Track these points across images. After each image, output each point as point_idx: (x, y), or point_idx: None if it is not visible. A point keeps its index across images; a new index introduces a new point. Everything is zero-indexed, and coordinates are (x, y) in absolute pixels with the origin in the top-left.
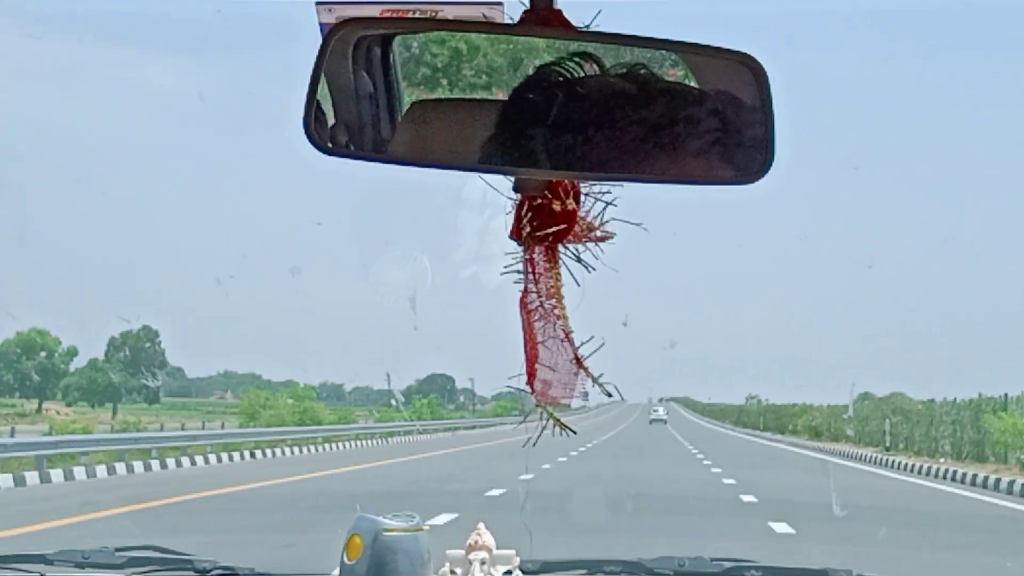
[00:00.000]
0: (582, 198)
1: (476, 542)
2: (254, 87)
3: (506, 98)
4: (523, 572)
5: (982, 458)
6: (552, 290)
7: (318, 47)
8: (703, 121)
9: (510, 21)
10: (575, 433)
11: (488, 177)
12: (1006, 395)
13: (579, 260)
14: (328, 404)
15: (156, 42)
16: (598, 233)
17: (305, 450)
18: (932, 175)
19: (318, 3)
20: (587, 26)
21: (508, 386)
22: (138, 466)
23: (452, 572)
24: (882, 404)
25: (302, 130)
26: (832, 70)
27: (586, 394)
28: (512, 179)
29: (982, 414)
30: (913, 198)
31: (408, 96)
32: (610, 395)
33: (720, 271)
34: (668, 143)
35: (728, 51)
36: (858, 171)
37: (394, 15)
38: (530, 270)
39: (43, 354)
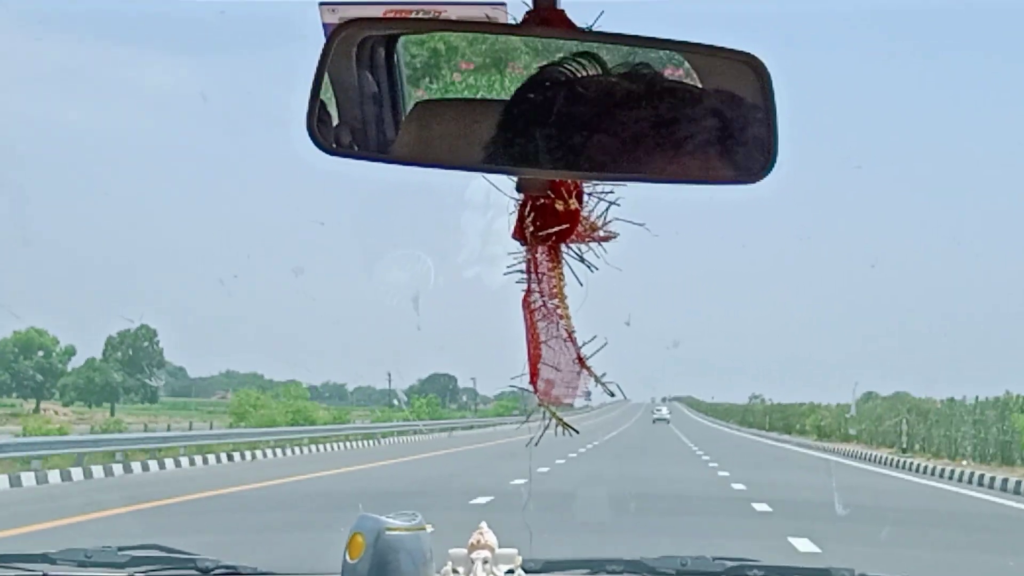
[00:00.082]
0: (585, 198)
1: (478, 541)
2: (257, 87)
3: (509, 98)
4: (525, 571)
5: (1009, 460)
6: (555, 290)
7: (321, 47)
8: (706, 121)
9: (513, 21)
10: (577, 432)
11: (491, 177)
12: None
13: (582, 260)
14: (330, 404)
15: (158, 42)
16: (601, 233)
17: (288, 451)
18: (933, 175)
19: (321, 3)
20: (590, 26)
21: (511, 386)
22: (117, 468)
23: (455, 571)
24: (896, 403)
25: (305, 130)
26: (833, 70)
27: (588, 393)
28: (515, 179)
29: (1010, 413)
30: (915, 198)
31: (412, 96)
32: (613, 394)
33: (723, 271)
34: (671, 143)
35: (730, 51)
36: (860, 171)
37: (397, 15)
38: (533, 270)
39: (41, 353)
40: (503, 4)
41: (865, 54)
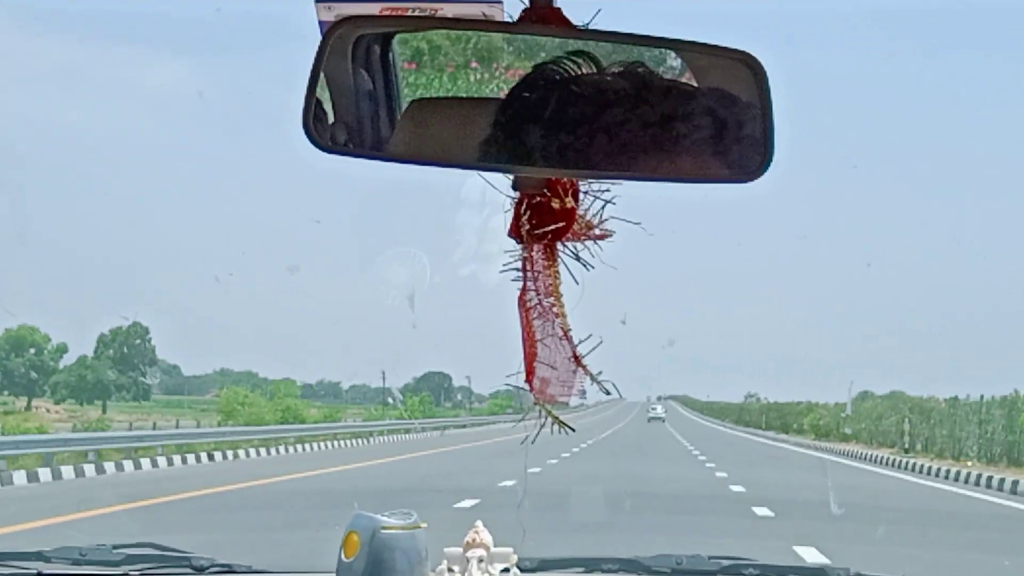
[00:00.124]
0: (581, 196)
1: (474, 540)
2: (253, 85)
3: (505, 96)
4: (521, 570)
5: (1016, 461)
6: (551, 288)
7: (317, 45)
8: (702, 119)
9: (509, 19)
10: (573, 431)
11: (487, 175)
12: None
13: (578, 258)
14: (325, 402)
15: (155, 41)
16: (597, 231)
17: (275, 451)
18: (932, 174)
19: (317, 1)
20: (586, 24)
21: (507, 384)
22: (89, 468)
23: (450, 570)
24: (897, 402)
25: (301, 128)
26: (832, 69)
27: (583, 391)
28: (511, 177)
29: (1018, 413)
30: (912, 197)
31: (408, 94)
32: (608, 393)
33: (719, 270)
34: (667, 142)
35: (727, 49)
36: (857, 170)
37: (393, 13)
38: (529, 268)
39: (32, 351)
40: (499, 2)
41: (864, 53)
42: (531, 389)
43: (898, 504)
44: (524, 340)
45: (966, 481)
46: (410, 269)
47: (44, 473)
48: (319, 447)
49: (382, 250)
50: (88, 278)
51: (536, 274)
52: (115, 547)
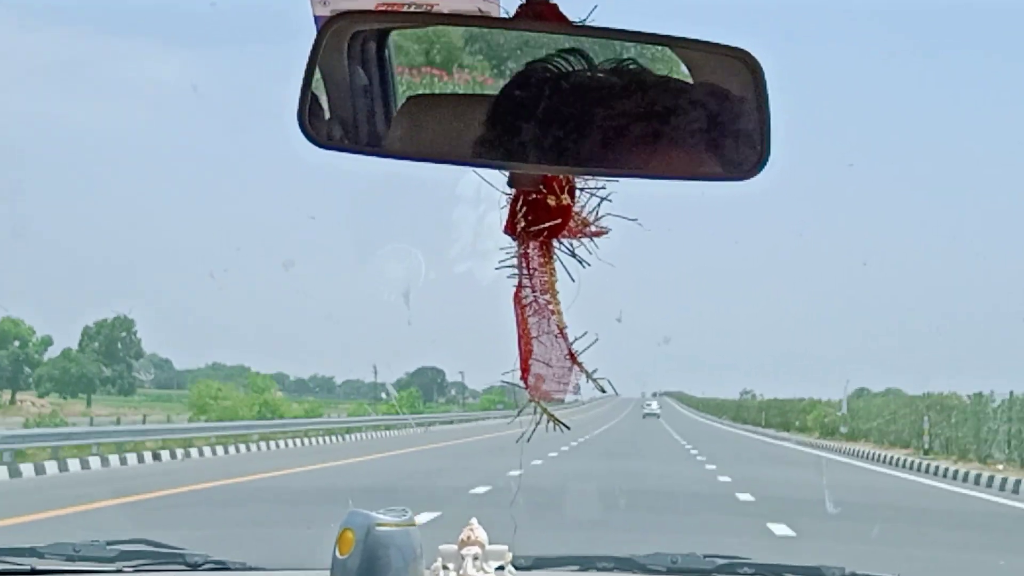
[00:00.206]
0: (577, 193)
1: (469, 537)
2: (249, 81)
3: (501, 92)
4: (516, 568)
5: None
6: (546, 285)
7: (313, 40)
8: (698, 117)
9: (506, 15)
10: (568, 428)
11: (483, 171)
12: None
13: (574, 255)
14: (318, 397)
15: (151, 36)
16: (593, 228)
17: (234, 449)
18: (929, 173)
19: None
20: (583, 21)
21: (502, 381)
22: (51, 466)
23: (445, 567)
24: (917, 401)
25: (297, 124)
26: (831, 67)
27: (577, 387)
28: (507, 174)
29: None
30: (910, 195)
31: (403, 90)
32: (603, 391)
33: (715, 267)
34: (663, 139)
35: (724, 46)
36: (854, 168)
37: (389, 8)
38: (524, 265)
39: (16, 343)
40: None
41: (863, 51)
42: (526, 386)
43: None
44: (520, 337)
45: (1001, 488)
46: (405, 265)
47: (27, 468)
48: (289, 444)
49: (377, 246)
50: (79, 272)
51: (532, 271)
52: (109, 543)
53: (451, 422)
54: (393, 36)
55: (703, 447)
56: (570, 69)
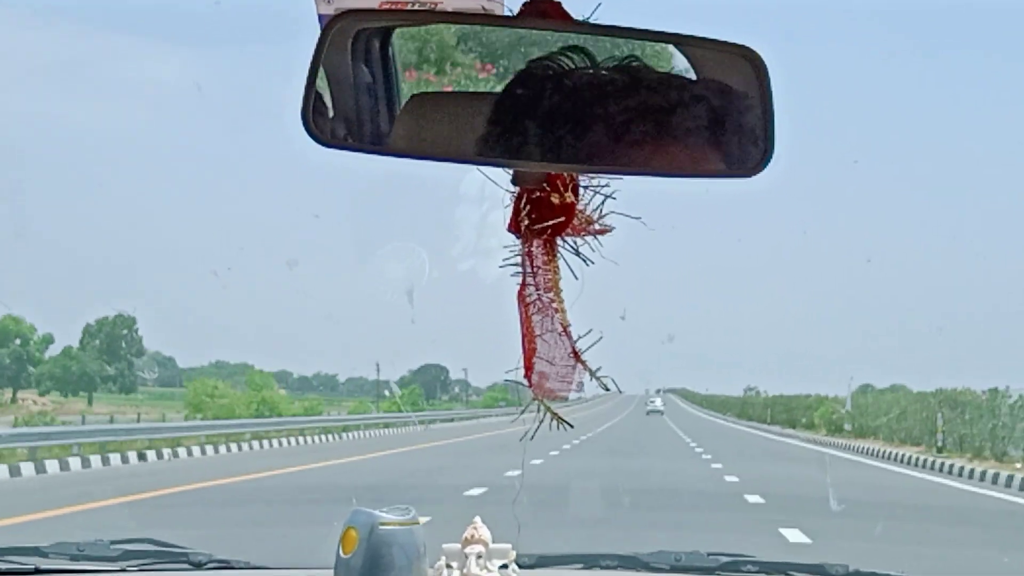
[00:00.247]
0: (581, 191)
1: (472, 536)
2: (252, 79)
3: (505, 91)
4: (519, 566)
5: None
6: (550, 283)
7: (317, 39)
8: (702, 114)
9: (509, 13)
10: (572, 427)
11: (486, 170)
12: None
13: (577, 253)
14: (321, 395)
15: (154, 34)
16: (597, 226)
17: (224, 448)
18: (932, 171)
19: None
20: (587, 18)
21: (506, 379)
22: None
23: (448, 566)
24: (929, 397)
25: (300, 122)
26: (834, 65)
27: (581, 384)
28: (510, 172)
29: None
30: (912, 194)
31: (407, 89)
32: (607, 388)
33: (719, 265)
34: (667, 136)
35: (728, 44)
36: (858, 165)
37: (393, 7)
38: (528, 263)
39: (18, 342)
40: None
41: (865, 50)
42: (530, 384)
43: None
44: (523, 335)
45: (1022, 489)
46: (409, 264)
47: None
48: (284, 443)
49: (381, 244)
50: (81, 270)
51: (536, 269)
52: (113, 542)
53: (452, 420)
54: (397, 34)
55: (707, 443)
56: (574, 67)
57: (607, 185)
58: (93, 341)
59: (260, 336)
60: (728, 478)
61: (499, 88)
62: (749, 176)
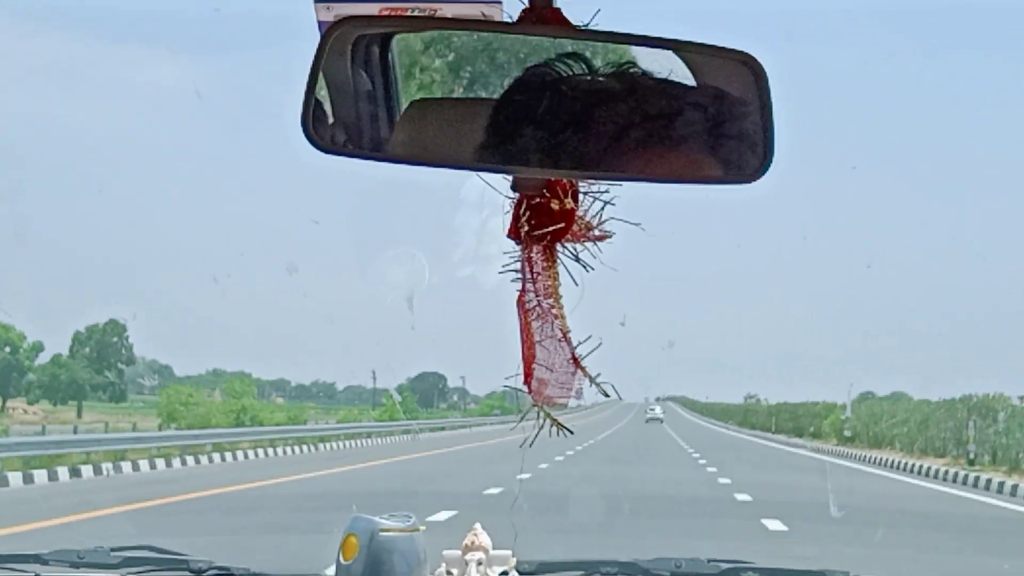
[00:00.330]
0: (580, 197)
1: (472, 542)
2: (252, 85)
3: (504, 97)
4: (519, 572)
5: None
6: (550, 289)
7: (316, 45)
8: (702, 120)
9: (509, 20)
10: (572, 433)
11: (486, 176)
12: None
13: (577, 259)
14: (319, 403)
15: (154, 40)
16: (596, 232)
17: (172, 461)
18: (932, 174)
19: (317, 1)
20: (586, 25)
21: (505, 385)
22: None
23: (448, 572)
24: (957, 403)
25: (300, 128)
26: (832, 68)
27: (580, 391)
28: (510, 178)
29: None
30: (912, 197)
31: (407, 95)
32: (607, 395)
33: (719, 271)
34: (667, 142)
35: (728, 50)
36: (857, 170)
37: (393, 13)
38: (528, 269)
39: (8, 350)
40: (499, 2)
41: (864, 52)
42: (529, 391)
43: None
44: (523, 341)
45: None
46: (408, 270)
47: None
48: (251, 456)
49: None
50: (76, 278)
51: (535, 275)
52: (113, 549)
53: (442, 428)
54: (396, 41)
55: (711, 456)
56: (573, 73)
57: (607, 191)
58: (83, 349)
59: (258, 344)
60: (740, 496)
61: (498, 94)
62: (748, 182)
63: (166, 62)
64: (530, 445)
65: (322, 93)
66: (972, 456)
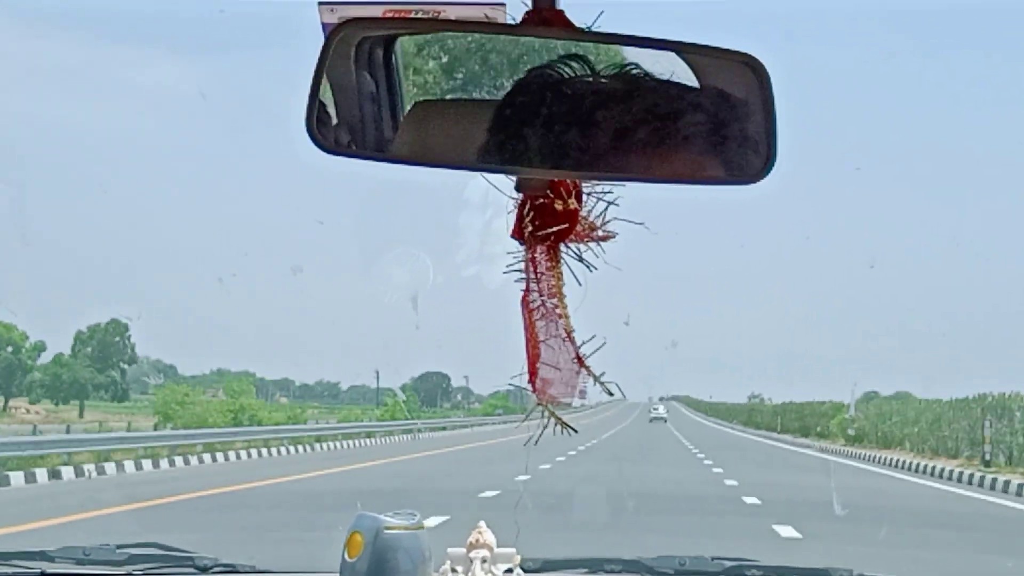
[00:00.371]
0: (584, 197)
1: (477, 540)
2: (256, 87)
3: (508, 98)
4: (524, 570)
5: None
6: (554, 289)
7: (320, 47)
8: (705, 121)
9: (512, 21)
10: (576, 432)
11: (490, 177)
12: None
13: (581, 259)
14: (323, 403)
15: (158, 41)
16: (600, 232)
17: (160, 463)
18: (933, 174)
19: (321, 3)
20: (589, 26)
21: (509, 384)
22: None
23: (453, 570)
24: (971, 403)
25: (304, 129)
26: (833, 68)
27: (584, 391)
28: (514, 179)
29: None
30: (914, 197)
31: (410, 96)
32: (611, 394)
33: (722, 270)
34: (670, 143)
35: (731, 51)
36: (860, 171)
37: (396, 15)
38: (532, 269)
39: (9, 349)
40: (502, 4)
41: (865, 53)
42: (534, 390)
43: None
44: (527, 341)
45: None
46: (413, 270)
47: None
48: (243, 456)
49: (385, 251)
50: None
51: (539, 275)
52: (119, 547)
53: (443, 428)
54: (400, 43)
55: (716, 455)
56: (576, 74)
57: (610, 192)
58: (85, 348)
59: (262, 344)
60: (748, 499)
61: (502, 95)
62: (752, 183)
63: (168, 62)
64: (535, 443)
65: (326, 94)
66: (988, 457)
